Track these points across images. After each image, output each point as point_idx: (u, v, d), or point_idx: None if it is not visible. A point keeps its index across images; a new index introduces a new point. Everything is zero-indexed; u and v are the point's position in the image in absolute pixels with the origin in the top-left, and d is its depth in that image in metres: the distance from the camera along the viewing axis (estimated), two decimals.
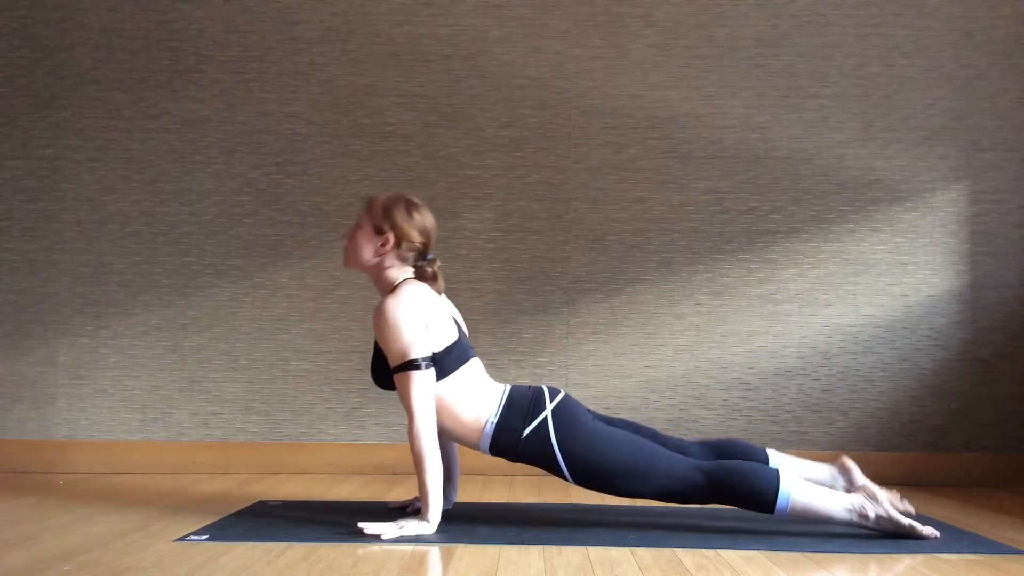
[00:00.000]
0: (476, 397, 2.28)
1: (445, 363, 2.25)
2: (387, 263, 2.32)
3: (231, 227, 3.32)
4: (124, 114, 3.34)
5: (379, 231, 2.31)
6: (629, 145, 3.32)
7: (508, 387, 2.34)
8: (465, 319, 3.27)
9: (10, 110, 3.33)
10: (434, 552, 2.02)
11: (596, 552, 2.02)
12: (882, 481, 2.30)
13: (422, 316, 2.23)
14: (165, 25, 3.35)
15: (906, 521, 2.17)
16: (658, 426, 3.25)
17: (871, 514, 2.16)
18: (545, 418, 2.25)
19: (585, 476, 2.25)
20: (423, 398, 2.19)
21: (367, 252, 2.32)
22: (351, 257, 2.35)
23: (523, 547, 2.07)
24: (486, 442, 2.27)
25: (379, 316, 2.22)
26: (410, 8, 3.36)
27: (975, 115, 3.30)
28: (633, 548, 2.06)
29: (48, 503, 2.59)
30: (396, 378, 2.22)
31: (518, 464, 2.30)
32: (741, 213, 3.29)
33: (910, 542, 2.15)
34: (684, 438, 2.53)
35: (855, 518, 2.16)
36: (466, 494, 2.68)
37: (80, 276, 3.30)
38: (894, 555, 2.04)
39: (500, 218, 3.32)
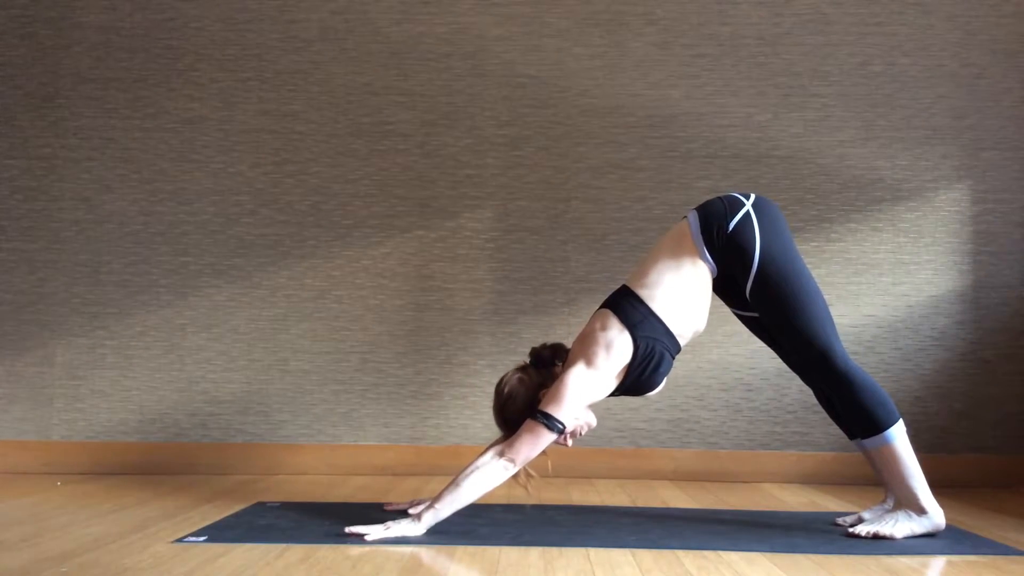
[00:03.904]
0: (677, 300, 2.28)
1: (648, 333, 2.25)
2: (546, 380, 2.31)
3: (229, 227, 3.30)
4: (122, 113, 3.32)
5: (540, 389, 2.29)
6: (630, 144, 3.31)
7: (690, 212, 2.36)
8: (465, 319, 3.28)
9: (7, 109, 3.32)
10: (434, 553, 2.01)
11: (596, 553, 2.01)
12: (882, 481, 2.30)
13: (593, 394, 2.24)
14: (163, 24, 3.34)
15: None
16: (658, 427, 3.24)
17: (925, 527, 2.22)
18: (748, 212, 2.28)
19: (767, 284, 2.24)
20: (530, 451, 2.19)
21: (540, 392, 2.30)
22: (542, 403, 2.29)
23: (523, 548, 2.05)
24: (715, 274, 2.31)
25: (564, 372, 2.24)
26: (409, 6, 3.35)
27: (977, 114, 3.29)
28: (634, 549, 2.05)
29: (46, 504, 2.58)
30: (528, 420, 2.20)
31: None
32: None
33: (912, 543, 2.14)
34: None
35: (914, 509, 2.21)
36: None
37: (77, 276, 3.28)
38: (896, 556, 2.03)
39: (500, 218, 3.30)
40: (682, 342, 2.32)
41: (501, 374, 2.38)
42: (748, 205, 2.29)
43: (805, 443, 3.21)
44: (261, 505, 2.56)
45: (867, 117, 3.29)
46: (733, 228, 2.26)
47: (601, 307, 2.34)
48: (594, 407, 2.37)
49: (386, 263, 3.29)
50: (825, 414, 3.21)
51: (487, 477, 2.18)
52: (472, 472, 2.18)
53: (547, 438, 2.19)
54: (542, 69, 3.33)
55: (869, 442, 2.24)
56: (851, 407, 2.24)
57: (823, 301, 2.28)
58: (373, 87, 3.33)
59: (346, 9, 3.35)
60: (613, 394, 2.30)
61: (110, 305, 3.28)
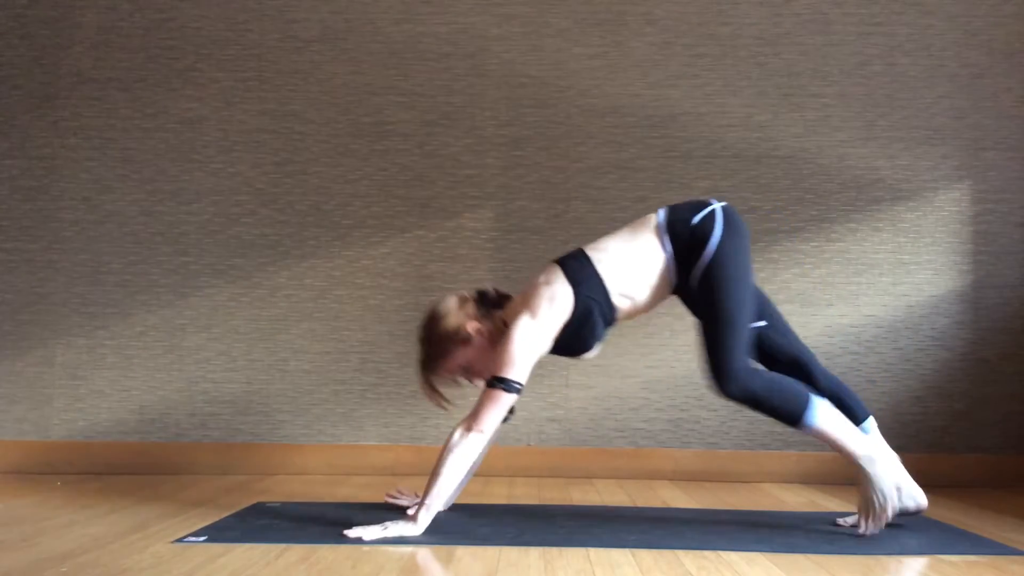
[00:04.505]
0: (623, 268, 2.30)
1: (588, 292, 2.27)
2: (485, 328, 2.33)
3: (229, 227, 3.30)
4: (122, 113, 3.32)
5: (465, 342, 2.31)
6: (630, 144, 3.31)
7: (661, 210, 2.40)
8: None
9: (7, 109, 3.32)
10: (434, 553, 2.01)
11: (597, 553, 2.01)
12: None
13: (540, 347, 2.26)
14: (163, 24, 3.34)
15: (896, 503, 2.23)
16: (659, 427, 3.24)
17: (878, 470, 2.18)
18: (713, 210, 2.32)
19: (710, 280, 2.26)
20: (494, 416, 2.20)
21: (482, 353, 2.31)
22: (491, 368, 2.27)
23: (523, 548, 2.05)
24: (670, 264, 2.32)
25: (510, 329, 2.24)
26: (409, 6, 3.35)
27: (977, 114, 3.29)
28: (634, 549, 2.04)
29: (46, 504, 2.58)
30: (486, 389, 2.22)
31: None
32: (742, 213, 3.26)
33: (912, 543, 2.14)
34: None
35: (864, 463, 2.19)
36: (466, 494, 2.65)
37: (77, 276, 3.28)
38: (896, 556, 2.03)
39: (500, 218, 3.30)
40: (618, 314, 2.33)
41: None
42: (716, 206, 2.34)
43: (805, 443, 3.21)
44: (261, 505, 2.56)
45: (867, 117, 3.29)
46: (696, 222, 2.30)
47: (551, 262, 2.38)
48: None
49: (386, 263, 3.29)
50: None
51: (463, 454, 2.19)
52: (447, 456, 2.18)
53: (508, 400, 2.21)
54: (542, 69, 3.33)
55: (803, 433, 2.27)
56: (768, 415, 2.26)
57: (750, 320, 2.30)
58: (373, 87, 3.33)
59: (346, 9, 3.35)
60: (551, 352, 2.33)
61: (110, 305, 3.28)
